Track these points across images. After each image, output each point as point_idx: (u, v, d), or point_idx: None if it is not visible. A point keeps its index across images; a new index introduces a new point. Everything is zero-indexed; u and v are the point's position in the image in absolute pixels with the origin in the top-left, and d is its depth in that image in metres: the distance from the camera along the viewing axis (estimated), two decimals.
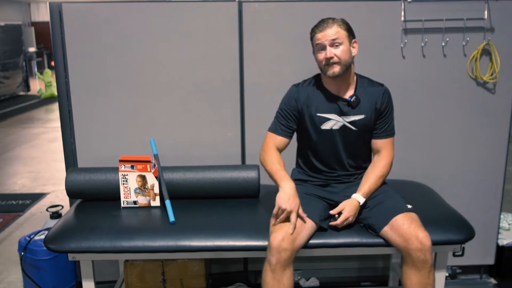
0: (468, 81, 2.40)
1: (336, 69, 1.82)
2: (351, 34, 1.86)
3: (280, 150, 1.98)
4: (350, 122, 1.92)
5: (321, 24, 1.83)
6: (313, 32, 1.86)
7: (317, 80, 1.97)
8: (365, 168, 2.00)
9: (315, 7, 2.27)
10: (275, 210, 1.77)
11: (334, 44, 1.81)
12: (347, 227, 1.86)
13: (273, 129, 1.98)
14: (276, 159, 1.91)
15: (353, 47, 1.87)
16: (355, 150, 1.98)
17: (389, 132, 1.98)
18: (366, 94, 1.93)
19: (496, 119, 2.44)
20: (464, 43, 2.35)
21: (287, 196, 1.77)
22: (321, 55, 1.84)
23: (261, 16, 2.29)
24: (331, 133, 1.93)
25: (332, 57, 1.80)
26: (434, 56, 2.36)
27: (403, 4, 2.29)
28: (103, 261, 2.47)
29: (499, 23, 2.33)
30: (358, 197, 1.86)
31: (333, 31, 1.80)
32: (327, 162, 1.99)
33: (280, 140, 1.96)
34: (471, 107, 2.43)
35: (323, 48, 1.82)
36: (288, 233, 1.71)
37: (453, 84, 2.40)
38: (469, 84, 2.41)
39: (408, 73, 2.37)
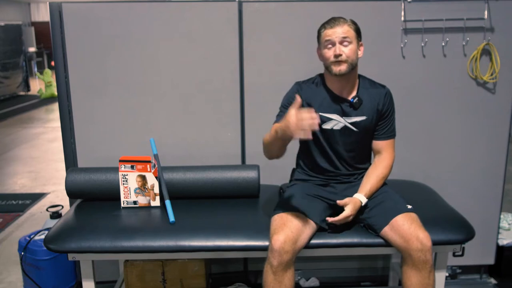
0: (468, 81, 2.40)
1: (343, 67, 1.82)
2: (359, 35, 1.87)
3: None
4: (351, 123, 1.92)
5: (332, 21, 1.83)
6: (323, 28, 1.85)
7: (320, 80, 1.97)
8: (365, 169, 2.00)
9: (315, 7, 2.27)
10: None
11: (343, 42, 1.81)
12: (347, 227, 1.87)
13: (276, 121, 1.91)
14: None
15: (359, 49, 1.88)
16: (355, 151, 1.98)
17: (390, 134, 1.98)
18: (368, 95, 1.93)
19: (496, 119, 2.44)
20: (464, 43, 2.35)
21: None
22: (329, 52, 1.83)
23: (261, 16, 2.29)
24: (331, 132, 1.93)
25: (341, 54, 1.80)
26: (434, 56, 2.36)
27: (403, 4, 2.29)
28: (103, 261, 2.47)
29: (499, 23, 2.33)
30: (361, 197, 1.86)
31: (343, 30, 1.80)
32: (327, 162, 1.98)
33: None
34: (471, 107, 2.43)
35: (333, 44, 1.82)
36: (290, 235, 1.71)
37: (453, 84, 2.40)
38: (469, 84, 2.41)
39: (408, 73, 2.37)
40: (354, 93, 1.93)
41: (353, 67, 1.85)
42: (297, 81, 2.00)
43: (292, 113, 1.57)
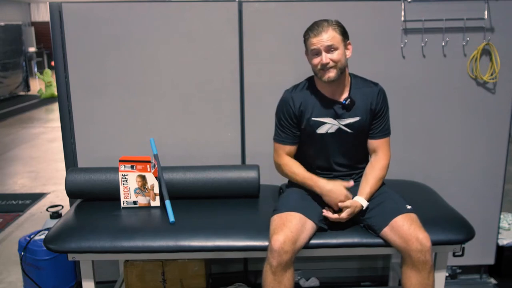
0: (468, 81, 2.40)
1: (332, 74, 1.81)
2: (345, 36, 1.84)
3: (292, 156, 2.00)
4: (345, 125, 1.91)
5: (316, 28, 1.80)
6: (307, 35, 1.83)
7: (310, 84, 1.95)
8: (362, 169, 1.99)
9: (315, 7, 2.27)
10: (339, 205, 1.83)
11: (329, 49, 1.79)
12: (347, 228, 1.87)
13: (279, 140, 1.98)
14: (296, 167, 1.96)
15: (347, 49, 1.86)
16: (351, 152, 1.97)
17: (385, 132, 1.97)
18: (360, 95, 1.92)
19: (496, 119, 2.44)
20: (464, 43, 2.35)
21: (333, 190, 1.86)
22: (316, 60, 1.82)
23: (261, 16, 2.29)
24: (326, 136, 1.92)
25: (328, 63, 1.80)
26: (434, 56, 2.36)
27: (403, 4, 2.29)
28: (103, 261, 2.47)
29: (499, 23, 2.33)
30: (361, 201, 1.85)
31: (328, 36, 1.78)
32: (324, 165, 1.99)
33: (289, 149, 1.98)
34: (471, 107, 2.43)
35: (318, 53, 1.81)
36: (289, 235, 1.71)
37: (453, 84, 2.40)
38: (469, 84, 2.41)
39: (408, 73, 2.37)
40: (346, 94, 1.92)
41: (342, 71, 1.84)
42: (287, 89, 1.98)
43: (343, 195, 1.82)
